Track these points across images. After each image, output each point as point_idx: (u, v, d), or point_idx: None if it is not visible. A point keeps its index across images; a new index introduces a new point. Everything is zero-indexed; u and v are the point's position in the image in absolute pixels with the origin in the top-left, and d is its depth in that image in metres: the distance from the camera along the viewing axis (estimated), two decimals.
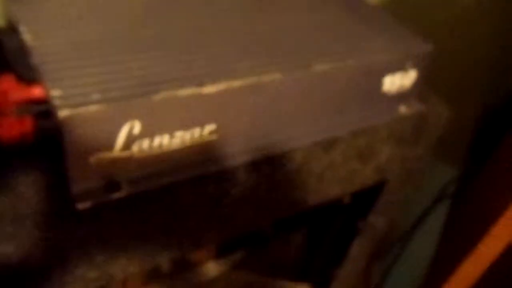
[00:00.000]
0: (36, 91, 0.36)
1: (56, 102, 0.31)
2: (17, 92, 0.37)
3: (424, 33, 0.53)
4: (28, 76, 0.38)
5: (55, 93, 0.31)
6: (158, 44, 0.38)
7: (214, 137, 0.38)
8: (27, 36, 0.36)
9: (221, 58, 0.38)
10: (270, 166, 0.41)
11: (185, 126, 0.36)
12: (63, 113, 0.30)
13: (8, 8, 0.41)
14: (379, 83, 0.47)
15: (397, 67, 0.47)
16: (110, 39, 0.38)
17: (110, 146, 0.33)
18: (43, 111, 0.36)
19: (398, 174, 0.56)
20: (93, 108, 0.31)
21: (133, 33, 0.39)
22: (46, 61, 0.34)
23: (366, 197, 0.59)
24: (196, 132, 0.37)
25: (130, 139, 0.34)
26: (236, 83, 0.37)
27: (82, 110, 0.31)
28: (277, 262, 0.76)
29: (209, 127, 0.37)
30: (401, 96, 0.51)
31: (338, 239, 0.67)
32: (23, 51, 0.37)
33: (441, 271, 0.83)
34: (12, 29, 0.41)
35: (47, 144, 0.37)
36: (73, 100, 0.31)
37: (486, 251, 0.67)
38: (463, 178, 0.96)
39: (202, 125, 0.37)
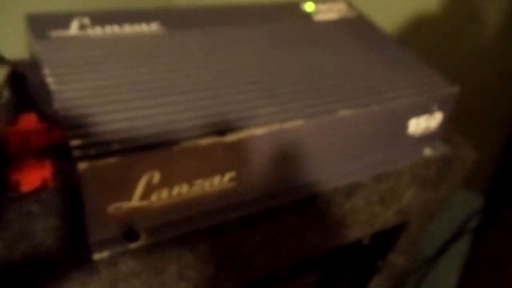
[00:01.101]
0: (57, 134, 0.36)
1: (76, 153, 0.30)
2: (38, 135, 0.36)
3: (443, 65, 0.52)
4: (51, 114, 0.38)
5: (74, 143, 0.31)
6: (179, 90, 0.38)
7: (233, 184, 0.37)
8: (49, 79, 0.36)
9: (243, 105, 0.38)
10: (291, 213, 0.40)
11: (205, 175, 0.35)
12: (82, 166, 0.30)
13: (31, 46, 0.41)
14: (404, 126, 0.46)
15: (423, 110, 0.46)
16: (133, 84, 0.37)
17: (128, 196, 0.33)
18: (63, 154, 0.36)
19: (419, 216, 0.54)
20: (112, 160, 0.31)
21: (156, 78, 0.39)
22: (67, 107, 0.34)
23: (386, 237, 0.58)
24: (216, 180, 0.36)
25: (149, 189, 0.33)
26: (258, 131, 0.36)
27: (101, 162, 0.30)
28: None
29: (229, 175, 0.37)
30: (426, 138, 0.49)
31: (356, 277, 0.65)
32: (46, 90, 0.37)
33: None
34: (36, 64, 0.41)
35: (66, 187, 0.37)
36: (92, 151, 0.31)
37: None
38: (488, 210, 0.94)
39: (222, 173, 0.36)
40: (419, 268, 0.95)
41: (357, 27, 0.55)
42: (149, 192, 0.33)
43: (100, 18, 0.44)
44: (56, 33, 0.41)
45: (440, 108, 0.48)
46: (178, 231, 0.36)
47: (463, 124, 0.56)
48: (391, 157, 0.47)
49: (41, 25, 0.42)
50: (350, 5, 0.59)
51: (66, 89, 0.36)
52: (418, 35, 0.98)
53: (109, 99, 0.35)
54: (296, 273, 0.60)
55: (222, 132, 0.35)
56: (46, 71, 0.37)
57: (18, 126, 0.39)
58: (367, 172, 0.46)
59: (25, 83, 0.45)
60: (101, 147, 0.31)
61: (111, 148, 0.31)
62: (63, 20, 0.43)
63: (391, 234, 0.56)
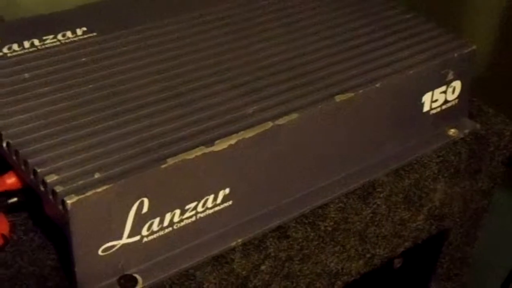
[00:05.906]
0: (9, 181, 0.53)
1: (58, 188, 0.48)
2: None
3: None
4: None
5: (51, 178, 0.48)
6: (143, 102, 0.56)
7: (229, 203, 0.56)
8: None
9: (224, 106, 0.56)
10: (301, 229, 0.59)
11: (197, 196, 0.53)
12: (70, 201, 0.47)
13: None
14: (418, 104, 0.66)
15: (437, 80, 0.66)
16: (84, 104, 0.55)
17: (119, 232, 0.50)
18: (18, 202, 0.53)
19: (460, 219, 0.74)
20: (100, 189, 0.48)
21: (110, 93, 0.57)
22: (23, 142, 0.51)
23: (423, 257, 0.77)
24: (209, 200, 0.54)
25: (140, 221, 0.51)
26: (249, 133, 0.54)
27: (90, 194, 0.48)
28: None
29: (223, 193, 0.55)
30: (448, 116, 0.69)
31: None
32: None
33: None
34: None
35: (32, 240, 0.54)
36: (74, 183, 0.48)
37: None
38: None
39: (215, 191, 0.54)
40: None
41: None
42: (140, 224, 0.51)
43: (11, 31, 0.62)
44: None
45: (457, 75, 0.68)
46: (177, 267, 0.54)
47: (491, 92, 0.77)
48: (408, 145, 0.67)
49: None
50: None
51: (11, 123, 0.53)
52: None
53: (67, 125, 0.53)
54: None
55: (209, 141, 0.53)
56: None
57: None
58: (383, 167, 0.65)
59: None
60: (82, 178, 0.49)
61: (94, 177, 0.49)
62: None
63: (428, 251, 0.76)
